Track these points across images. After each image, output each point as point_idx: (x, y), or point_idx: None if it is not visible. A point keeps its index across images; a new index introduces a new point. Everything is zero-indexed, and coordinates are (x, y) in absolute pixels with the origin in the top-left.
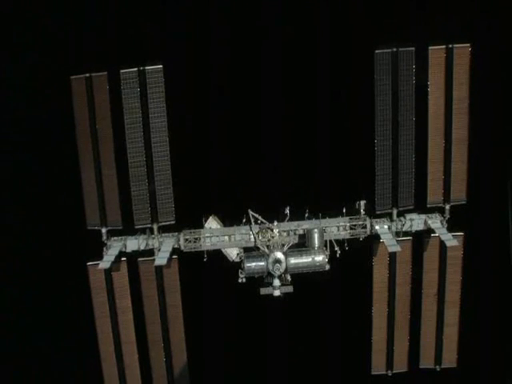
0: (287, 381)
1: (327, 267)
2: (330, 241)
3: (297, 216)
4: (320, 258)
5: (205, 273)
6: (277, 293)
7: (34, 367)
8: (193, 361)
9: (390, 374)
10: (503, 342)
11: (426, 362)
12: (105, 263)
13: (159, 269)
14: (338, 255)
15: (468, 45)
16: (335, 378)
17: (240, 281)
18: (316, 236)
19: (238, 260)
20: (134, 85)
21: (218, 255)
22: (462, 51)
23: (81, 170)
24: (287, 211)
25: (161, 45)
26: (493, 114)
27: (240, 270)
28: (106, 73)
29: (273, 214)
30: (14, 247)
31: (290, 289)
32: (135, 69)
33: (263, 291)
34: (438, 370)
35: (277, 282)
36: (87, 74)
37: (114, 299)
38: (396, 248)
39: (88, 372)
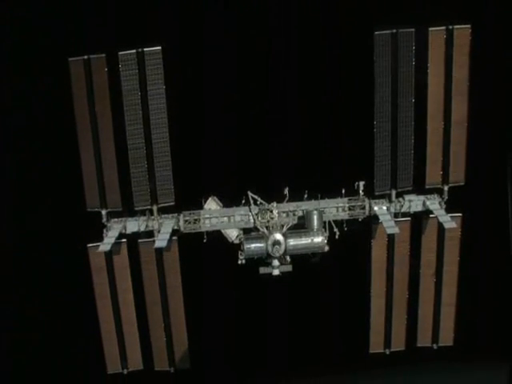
0: (287, 361)
1: (326, 248)
2: (329, 222)
3: (296, 197)
4: (319, 240)
5: (204, 253)
6: (276, 272)
7: (36, 348)
8: (193, 340)
9: (387, 353)
10: (500, 321)
11: (424, 340)
12: (105, 246)
13: (159, 250)
14: (336, 237)
15: (468, 26)
16: (334, 357)
17: (239, 262)
18: (315, 218)
19: (237, 242)
20: (133, 67)
21: (217, 236)
22: (463, 32)
23: (80, 152)
24: (286, 192)
25: (159, 26)
26: (492, 95)
27: (240, 252)
28: (104, 55)
29: (272, 195)
30: (14, 229)
31: (289, 268)
32: (133, 51)
33: (262, 270)
34: (435, 348)
35: (276, 262)
36: (85, 56)
37: (115, 280)
38: (394, 230)
39: (90, 351)
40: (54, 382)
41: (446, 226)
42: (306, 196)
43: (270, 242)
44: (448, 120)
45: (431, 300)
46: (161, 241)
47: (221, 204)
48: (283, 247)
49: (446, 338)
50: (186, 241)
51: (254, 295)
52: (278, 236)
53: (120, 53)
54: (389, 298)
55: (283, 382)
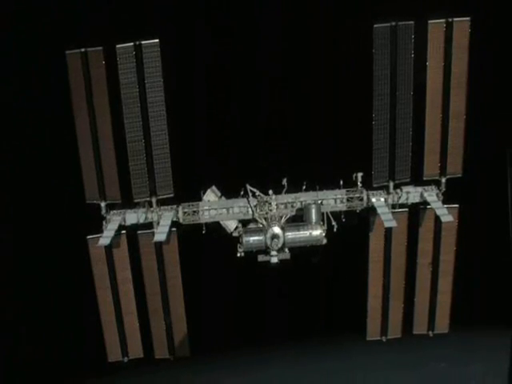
0: (286, 350)
1: (324, 241)
2: (327, 216)
3: (294, 188)
4: (317, 233)
5: (204, 244)
6: (274, 260)
7: (37, 338)
8: (192, 329)
9: (384, 340)
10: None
11: (420, 328)
12: (104, 239)
13: (159, 243)
14: (335, 230)
15: (468, 19)
16: (333, 344)
17: (239, 255)
18: (313, 211)
19: (236, 235)
20: (131, 60)
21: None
22: (462, 25)
23: (79, 144)
24: (284, 182)
25: (157, 19)
26: (491, 88)
27: (239, 245)
28: (101, 48)
29: (270, 186)
30: (15, 221)
31: (287, 255)
32: (131, 43)
33: (260, 258)
34: (431, 335)
35: (274, 252)
36: (82, 49)
37: (115, 271)
38: (392, 224)
39: (91, 340)
40: (55, 371)
41: (443, 219)
42: (304, 187)
43: (268, 236)
44: (446, 112)
45: (427, 288)
46: (160, 234)
47: (219, 193)
48: (282, 240)
49: (442, 325)
50: (185, 231)
51: (253, 285)
52: (277, 230)
53: (117, 46)
54: (386, 287)
55: (282, 372)
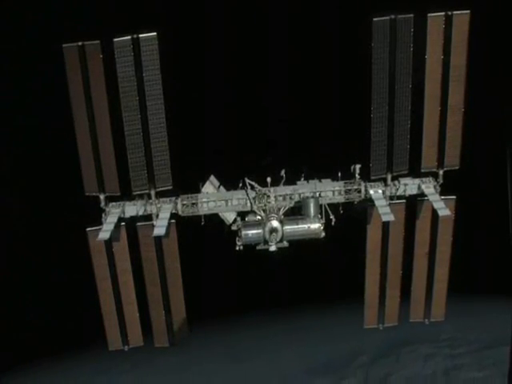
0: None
1: (322, 235)
2: (326, 208)
3: (293, 180)
4: (316, 226)
5: (203, 235)
6: (273, 248)
7: (39, 327)
8: (192, 317)
9: (381, 328)
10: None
11: (416, 315)
12: (104, 233)
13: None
14: (332, 223)
15: (467, 12)
16: (332, 332)
17: (237, 248)
18: (311, 204)
19: (235, 228)
20: (128, 53)
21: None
22: (462, 19)
23: (77, 137)
24: (283, 173)
25: (155, 12)
26: (490, 81)
27: (237, 238)
28: (98, 41)
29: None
30: (15, 213)
31: (285, 244)
32: (129, 37)
33: (259, 246)
34: (427, 323)
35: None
36: (79, 43)
37: (114, 263)
38: (390, 217)
39: (91, 329)
40: (57, 361)
41: (441, 213)
42: (302, 179)
43: (267, 229)
44: (445, 105)
45: (424, 278)
46: (159, 228)
47: (217, 183)
48: (280, 234)
49: (438, 313)
50: (184, 223)
51: (252, 275)
52: (275, 223)
53: (115, 39)
54: (383, 277)
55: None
